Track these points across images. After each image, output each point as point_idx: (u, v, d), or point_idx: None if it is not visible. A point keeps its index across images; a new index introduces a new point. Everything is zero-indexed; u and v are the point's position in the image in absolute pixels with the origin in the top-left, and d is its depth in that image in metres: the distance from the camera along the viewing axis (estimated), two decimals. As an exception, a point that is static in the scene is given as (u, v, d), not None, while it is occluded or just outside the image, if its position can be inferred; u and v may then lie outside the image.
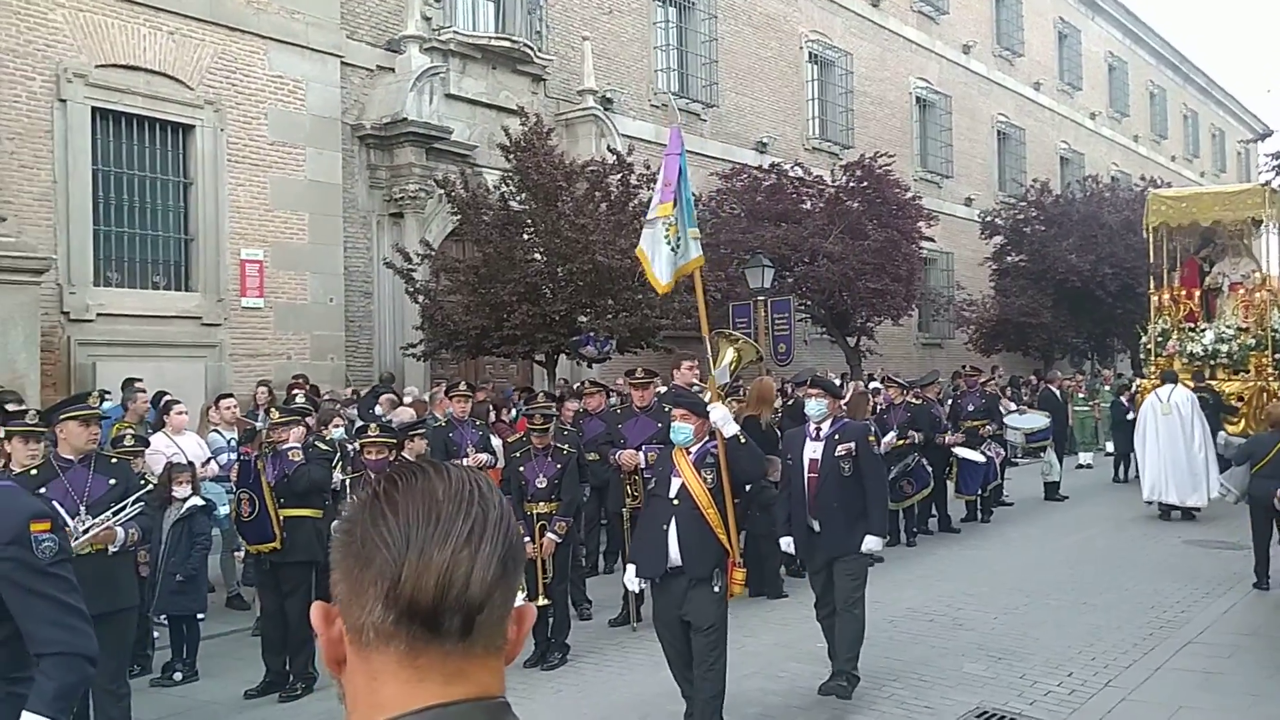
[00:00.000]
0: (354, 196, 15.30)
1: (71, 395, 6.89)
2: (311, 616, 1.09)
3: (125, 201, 12.81)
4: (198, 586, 7.52)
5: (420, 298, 13.98)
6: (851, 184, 20.83)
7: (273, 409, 7.78)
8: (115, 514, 5.51)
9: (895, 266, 19.95)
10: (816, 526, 6.41)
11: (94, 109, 12.33)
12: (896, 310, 20.79)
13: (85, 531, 5.36)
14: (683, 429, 5.79)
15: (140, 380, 10.54)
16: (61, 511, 5.38)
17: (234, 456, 9.52)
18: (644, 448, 8.49)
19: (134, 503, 5.59)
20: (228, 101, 13.53)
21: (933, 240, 23.65)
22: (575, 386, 13.33)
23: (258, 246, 13.89)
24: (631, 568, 5.98)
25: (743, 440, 5.72)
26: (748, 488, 7.42)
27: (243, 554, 8.11)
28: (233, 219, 13.61)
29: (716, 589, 5.54)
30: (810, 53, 24.81)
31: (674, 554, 5.56)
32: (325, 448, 7.89)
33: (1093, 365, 28.11)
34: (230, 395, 10.61)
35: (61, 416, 5.66)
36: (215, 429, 10.01)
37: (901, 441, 11.67)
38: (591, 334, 13.88)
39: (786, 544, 6.73)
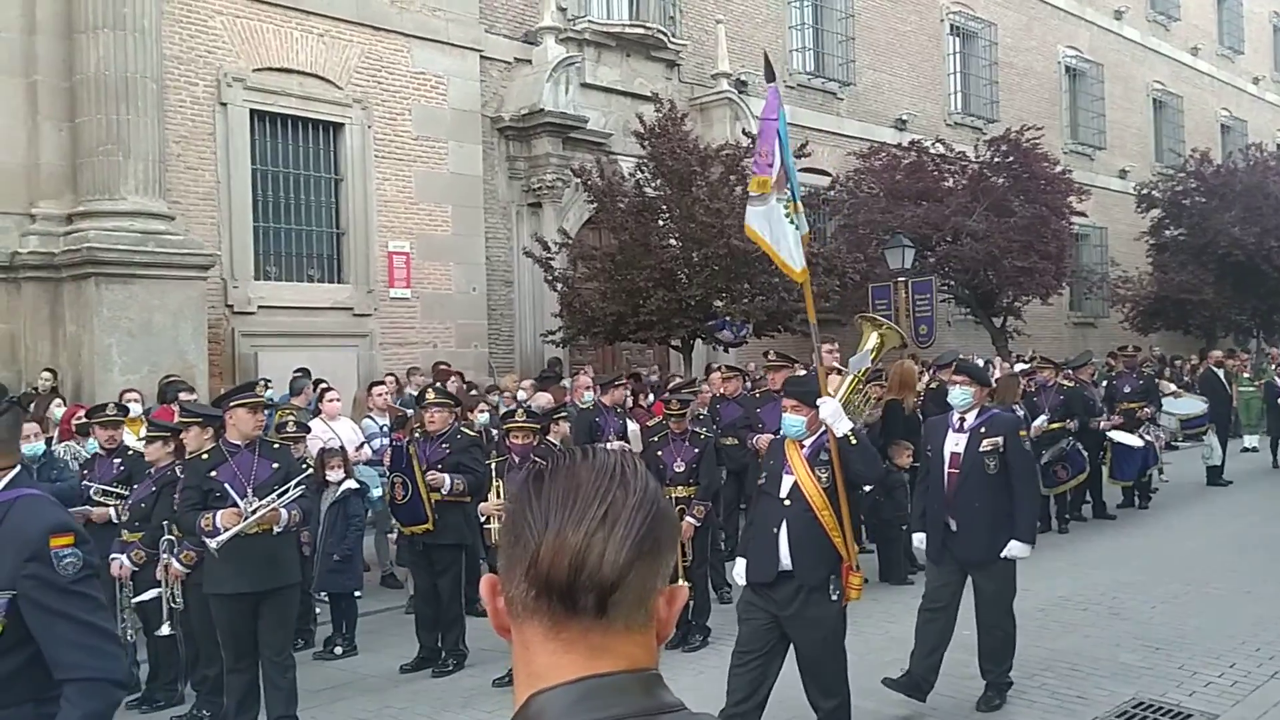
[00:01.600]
0: (494, 188, 15.66)
1: (239, 384, 7.29)
2: (481, 587, 1.17)
3: (281, 199, 13.44)
4: (353, 565, 7.88)
5: (559, 285, 14.24)
6: (996, 159, 20.21)
7: (428, 390, 8.05)
8: (279, 496, 5.81)
9: (1044, 243, 19.29)
10: (954, 526, 5.93)
11: (252, 111, 12.96)
12: (1046, 289, 20.10)
13: (253, 513, 5.68)
14: (794, 421, 5.25)
15: (302, 370, 11.07)
16: (232, 492, 5.75)
17: (387, 441, 9.92)
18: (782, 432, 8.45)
19: (295, 486, 5.89)
20: (374, 99, 14.03)
21: (1085, 215, 22.73)
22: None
23: (404, 239, 14.38)
24: (741, 562, 5.42)
25: (854, 441, 5.18)
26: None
27: (395, 535, 8.44)
28: (380, 213, 14.13)
29: (834, 596, 5.08)
30: (952, 25, 24.10)
31: (785, 558, 5.09)
32: (471, 434, 8.16)
33: (1258, 343, 26.54)
34: (382, 382, 11.04)
35: (231, 404, 6.00)
36: (369, 414, 10.44)
37: (1055, 425, 11.29)
38: (727, 318, 13.89)
39: (919, 540, 6.23)
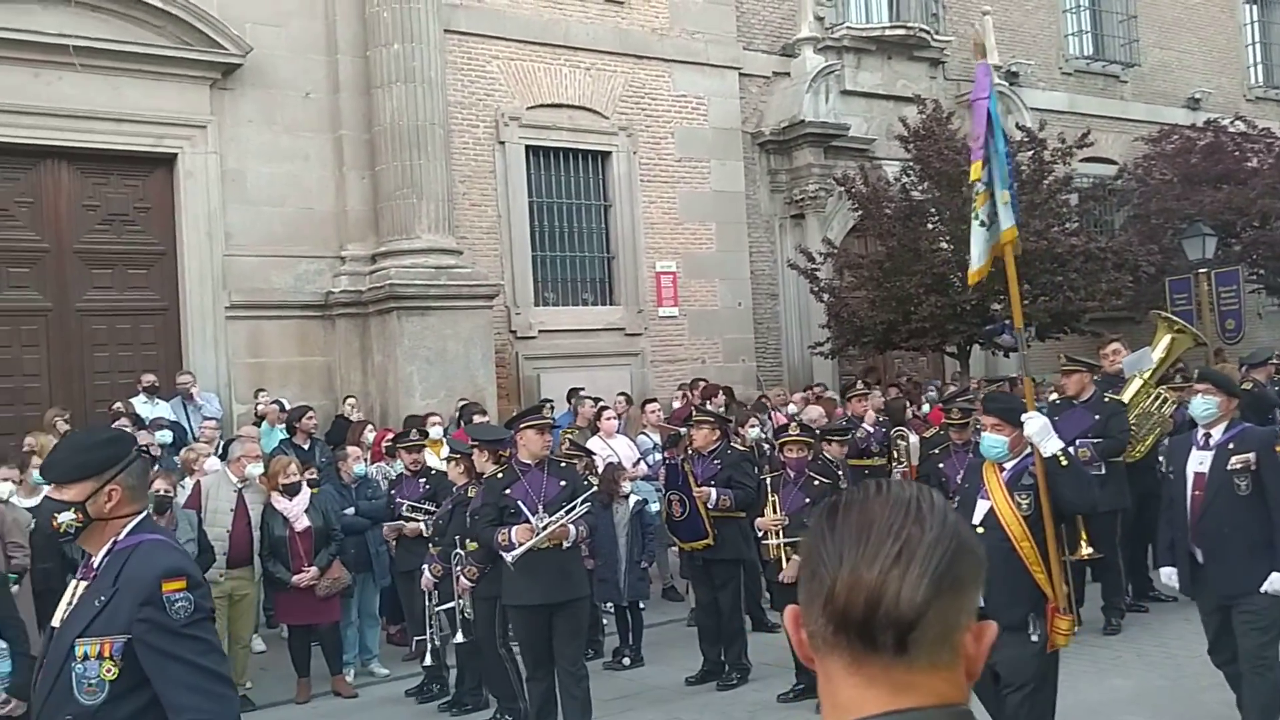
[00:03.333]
0: (756, 202, 15.75)
1: (528, 407, 7.71)
2: (785, 619, 1.20)
3: (556, 227, 14.11)
4: (646, 575, 8.18)
5: (825, 296, 14.13)
6: (1309, 133, 18.24)
7: (694, 409, 8.23)
8: (567, 513, 6.09)
9: (1372, 223, 17.19)
10: (1200, 557, 5.26)
11: (527, 146, 13.71)
12: (1377, 274, 17.90)
13: (544, 528, 5.99)
14: (994, 442, 4.82)
15: (583, 389, 11.56)
16: (524, 509, 6.08)
17: (660, 458, 10.18)
18: (1078, 443, 7.99)
19: (582, 502, 6.16)
20: (638, 125, 14.48)
21: None
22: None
23: (671, 259, 14.73)
24: None
25: (1064, 463, 4.66)
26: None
27: (676, 548, 8.62)
28: (647, 234, 14.54)
29: (1034, 638, 4.59)
30: (1247, -10, 21.99)
31: None
32: (742, 448, 8.24)
33: None
34: (655, 400, 11.35)
35: (521, 426, 6.37)
36: (643, 432, 10.76)
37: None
38: (1007, 322, 13.25)
39: (1167, 575, 5.57)
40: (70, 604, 2.71)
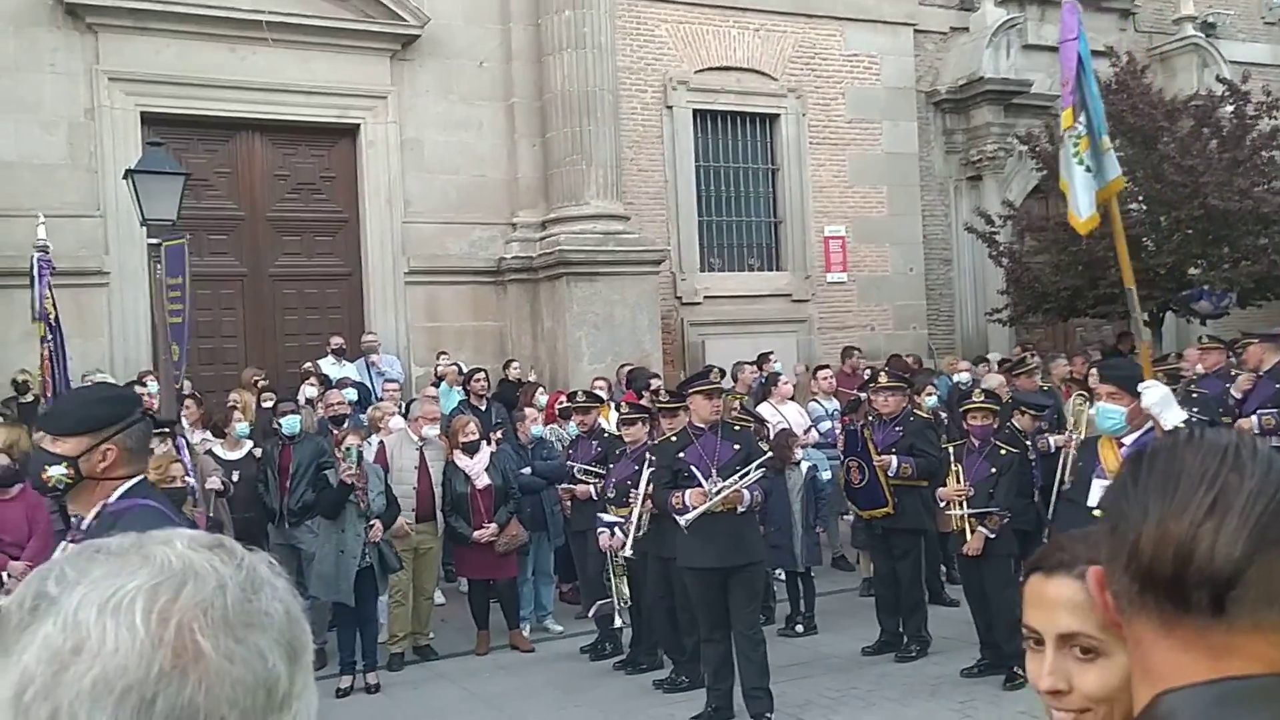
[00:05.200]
0: (930, 164, 15.23)
1: (698, 372, 7.66)
2: (1089, 581, 1.10)
3: (722, 192, 13.98)
4: (819, 541, 8.09)
5: (1004, 260, 13.56)
6: None
7: (880, 373, 8.00)
8: (741, 478, 6.03)
9: None
10: None
11: (694, 111, 13.60)
12: None
13: (717, 492, 5.95)
14: (1111, 412, 4.54)
15: (772, 353, 11.44)
16: (697, 473, 6.06)
17: (833, 424, 10.00)
18: (1259, 412, 7.54)
19: (756, 468, 6.09)
20: (808, 86, 14.17)
21: None
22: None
23: (840, 223, 14.40)
24: None
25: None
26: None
27: (852, 518, 8.46)
28: (815, 199, 14.25)
29: None
30: None
31: None
32: (924, 415, 8.00)
33: None
34: (827, 366, 11.14)
35: (690, 391, 6.38)
36: (815, 398, 10.58)
37: None
38: (1206, 287, 12.43)
39: None
40: None
